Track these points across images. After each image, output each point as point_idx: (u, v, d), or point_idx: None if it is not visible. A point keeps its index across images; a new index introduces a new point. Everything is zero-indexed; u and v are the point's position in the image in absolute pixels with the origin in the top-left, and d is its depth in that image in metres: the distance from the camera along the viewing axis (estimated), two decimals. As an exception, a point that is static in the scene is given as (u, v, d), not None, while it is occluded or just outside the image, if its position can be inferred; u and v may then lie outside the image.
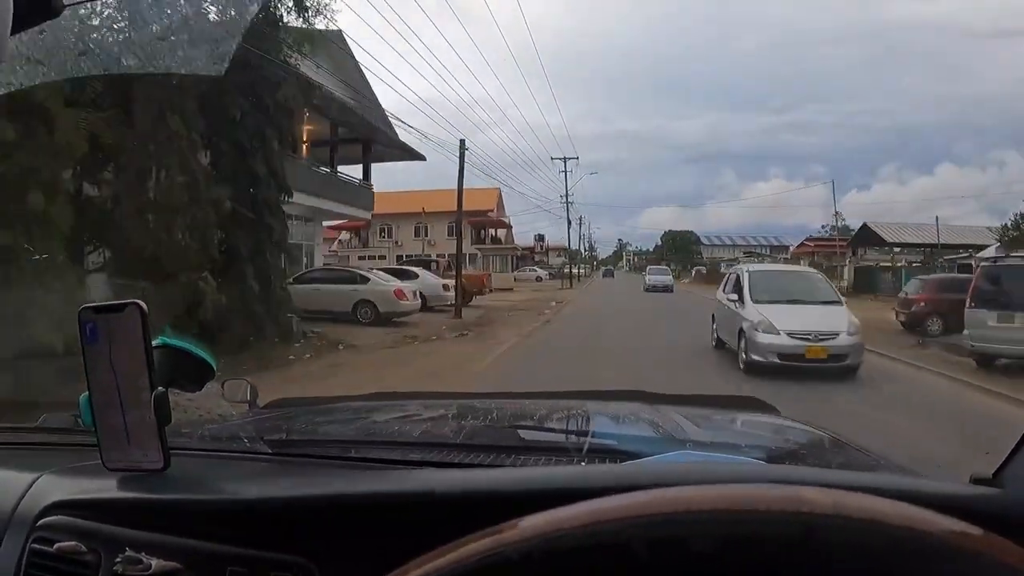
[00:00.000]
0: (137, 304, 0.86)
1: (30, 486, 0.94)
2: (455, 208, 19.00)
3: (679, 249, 77.83)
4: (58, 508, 0.89)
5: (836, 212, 63.44)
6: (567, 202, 44.46)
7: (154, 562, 0.78)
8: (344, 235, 42.62)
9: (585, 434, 1.29)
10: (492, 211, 43.69)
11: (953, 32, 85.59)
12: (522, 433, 1.30)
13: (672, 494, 0.43)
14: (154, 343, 0.88)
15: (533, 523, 0.43)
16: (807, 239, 55.93)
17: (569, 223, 45.09)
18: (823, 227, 61.04)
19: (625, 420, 1.53)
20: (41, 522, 0.89)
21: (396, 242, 41.73)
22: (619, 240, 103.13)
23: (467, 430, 1.31)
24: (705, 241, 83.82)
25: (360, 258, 41.19)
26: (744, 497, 0.43)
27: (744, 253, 79.33)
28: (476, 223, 41.53)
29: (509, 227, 48.48)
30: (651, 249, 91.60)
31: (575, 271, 53.82)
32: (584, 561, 0.41)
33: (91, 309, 0.88)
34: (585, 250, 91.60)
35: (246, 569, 0.79)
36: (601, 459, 1.04)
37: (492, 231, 45.93)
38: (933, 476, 0.90)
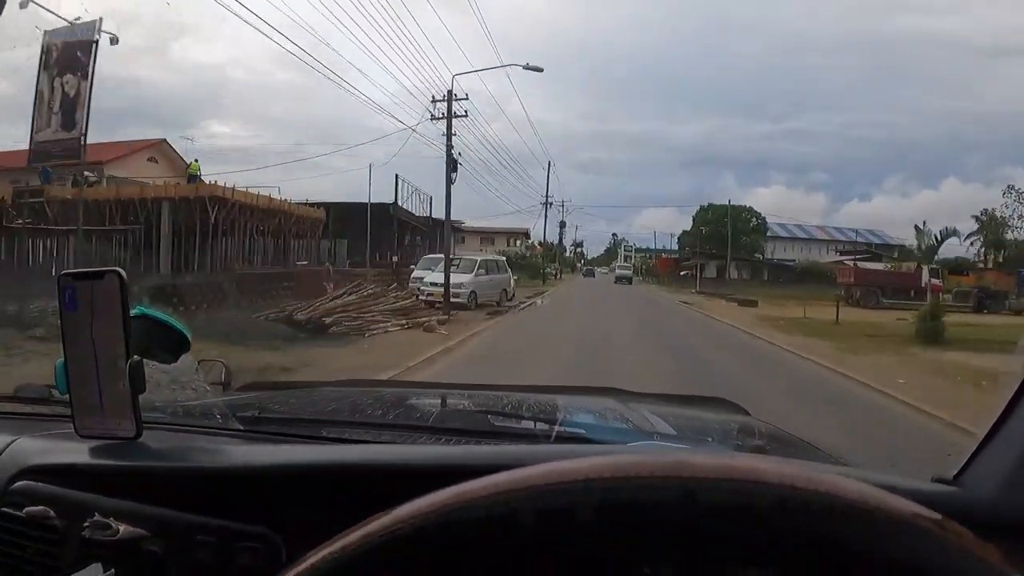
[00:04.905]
0: (117, 272, 0.85)
1: (1, 452, 0.94)
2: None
3: (723, 238, 41.17)
4: (29, 474, 0.89)
5: (1009, 187, 38.23)
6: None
7: (122, 528, 0.78)
8: None
9: (554, 423, 1.26)
10: None
11: (954, 48, 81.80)
12: (493, 419, 1.29)
13: (558, 466, 0.45)
14: (132, 312, 0.87)
15: (429, 500, 0.45)
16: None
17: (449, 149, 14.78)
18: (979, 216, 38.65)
19: (595, 412, 1.52)
20: (12, 487, 0.89)
21: None
22: (613, 235, 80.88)
23: (438, 415, 1.30)
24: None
25: None
26: (625, 465, 0.44)
27: (840, 252, 46.95)
28: None
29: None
30: (672, 241, 55.01)
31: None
32: (476, 533, 0.43)
33: (71, 275, 0.87)
34: (570, 245, 64.60)
35: (214, 538, 0.79)
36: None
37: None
38: (893, 474, 0.86)
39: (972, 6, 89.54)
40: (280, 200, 20.16)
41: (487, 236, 51.26)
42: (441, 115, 16.63)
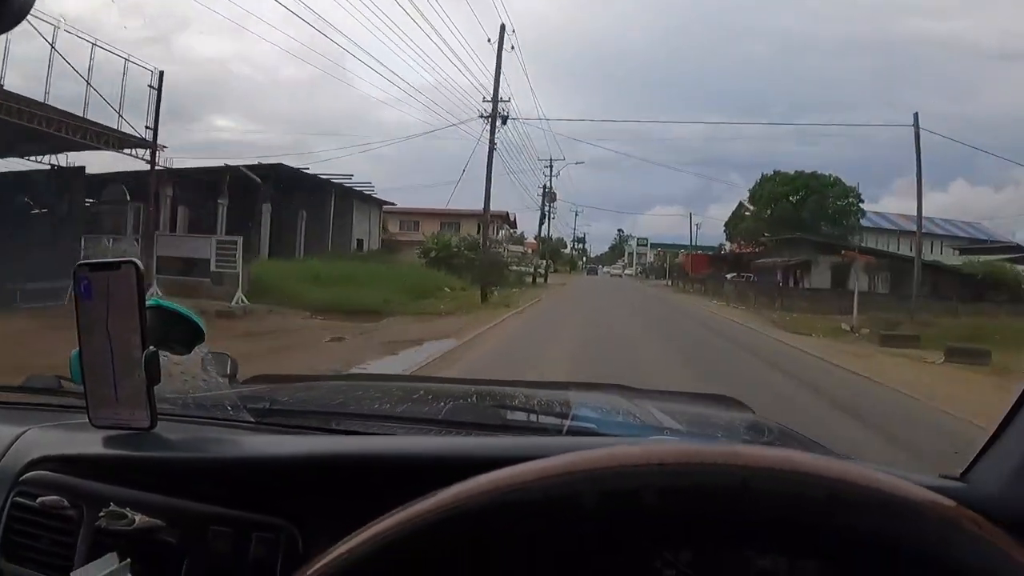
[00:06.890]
0: (133, 263, 0.85)
1: (14, 441, 0.94)
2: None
3: (801, 223, 25.48)
4: (42, 463, 0.89)
5: None
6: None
7: (137, 518, 0.78)
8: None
9: (565, 416, 1.27)
10: None
11: (960, 51, 76.44)
12: (503, 413, 1.29)
13: (618, 450, 0.47)
14: (147, 304, 0.86)
15: (491, 478, 0.46)
16: None
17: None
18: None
19: (604, 408, 1.54)
20: (24, 477, 0.88)
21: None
22: (619, 231, 76.90)
23: (448, 409, 1.29)
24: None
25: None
26: (686, 452, 0.47)
27: (959, 251, 33.53)
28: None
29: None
30: (693, 237, 40.12)
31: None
32: (538, 512, 0.45)
33: (87, 266, 0.87)
34: (571, 240, 55.79)
35: (228, 528, 0.79)
36: None
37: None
38: (900, 470, 0.89)
39: (978, 9, 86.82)
40: None
41: (450, 220, 34.96)
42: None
